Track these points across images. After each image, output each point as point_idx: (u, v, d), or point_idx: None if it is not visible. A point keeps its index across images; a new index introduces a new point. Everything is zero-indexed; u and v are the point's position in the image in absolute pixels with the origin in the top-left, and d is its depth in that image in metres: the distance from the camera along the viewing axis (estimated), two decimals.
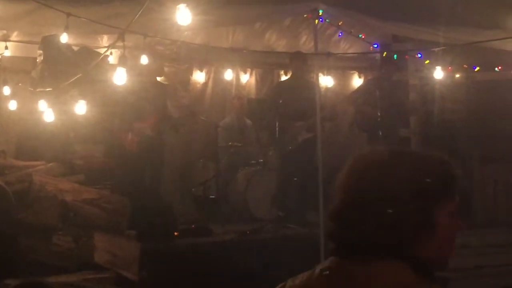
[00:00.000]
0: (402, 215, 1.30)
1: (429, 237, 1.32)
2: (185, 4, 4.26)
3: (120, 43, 4.95)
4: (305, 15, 6.37)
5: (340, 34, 6.82)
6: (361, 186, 1.33)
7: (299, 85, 6.84)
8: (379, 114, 6.77)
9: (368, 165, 1.36)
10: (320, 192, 5.83)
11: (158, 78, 6.80)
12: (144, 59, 5.83)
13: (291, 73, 7.22)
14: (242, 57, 7.61)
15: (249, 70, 8.37)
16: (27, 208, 4.79)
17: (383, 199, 1.31)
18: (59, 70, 5.85)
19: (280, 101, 6.66)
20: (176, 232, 5.83)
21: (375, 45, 6.93)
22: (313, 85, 6.55)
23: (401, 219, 1.30)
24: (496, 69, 7.25)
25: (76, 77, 5.18)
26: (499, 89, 7.60)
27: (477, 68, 7.05)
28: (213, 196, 7.05)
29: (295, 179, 6.76)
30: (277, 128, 6.68)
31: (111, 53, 6.37)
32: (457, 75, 7.24)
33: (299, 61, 6.83)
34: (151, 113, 6.34)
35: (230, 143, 7.44)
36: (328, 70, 8.16)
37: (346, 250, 1.34)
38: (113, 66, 5.86)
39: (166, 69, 7.70)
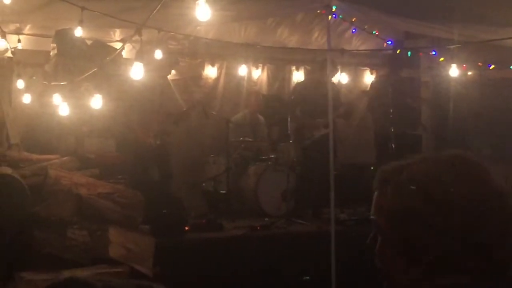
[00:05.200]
0: None
1: None
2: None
3: (135, 38, 4.93)
4: (318, 11, 6.34)
5: (354, 30, 6.80)
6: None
7: (319, 85, 6.90)
8: (391, 111, 6.76)
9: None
10: (331, 187, 5.82)
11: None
12: (158, 54, 5.82)
13: (311, 74, 7.27)
14: (254, 52, 7.60)
15: (260, 65, 8.36)
16: (42, 202, 4.78)
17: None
18: (73, 64, 5.86)
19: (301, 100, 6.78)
20: (186, 227, 5.84)
21: (389, 42, 6.90)
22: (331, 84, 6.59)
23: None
24: (511, 67, 7.21)
25: (91, 72, 5.17)
26: None
27: (492, 66, 6.99)
28: (223, 191, 7.03)
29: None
30: (296, 125, 6.79)
31: (123, 48, 6.37)
32: (471, 73, 7.19)
33: (325, 68, 6.88)
34: (162, 108, 6.35)
35: (241, 139, 7.44)
36: (341, 67, 8.15)
37: None
38: (128, 61, 5.87)
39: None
